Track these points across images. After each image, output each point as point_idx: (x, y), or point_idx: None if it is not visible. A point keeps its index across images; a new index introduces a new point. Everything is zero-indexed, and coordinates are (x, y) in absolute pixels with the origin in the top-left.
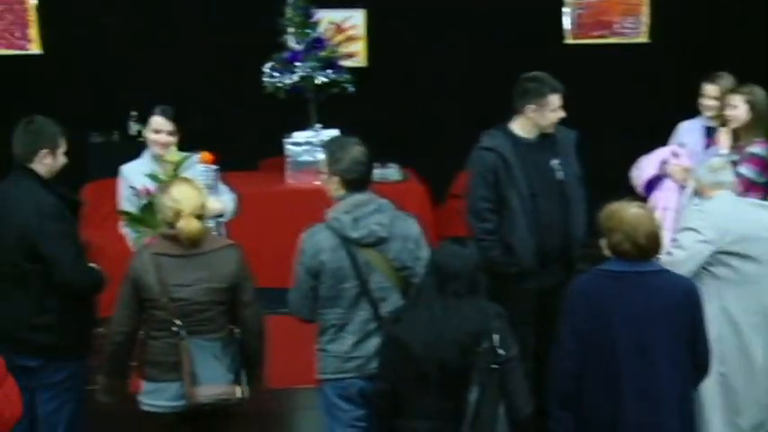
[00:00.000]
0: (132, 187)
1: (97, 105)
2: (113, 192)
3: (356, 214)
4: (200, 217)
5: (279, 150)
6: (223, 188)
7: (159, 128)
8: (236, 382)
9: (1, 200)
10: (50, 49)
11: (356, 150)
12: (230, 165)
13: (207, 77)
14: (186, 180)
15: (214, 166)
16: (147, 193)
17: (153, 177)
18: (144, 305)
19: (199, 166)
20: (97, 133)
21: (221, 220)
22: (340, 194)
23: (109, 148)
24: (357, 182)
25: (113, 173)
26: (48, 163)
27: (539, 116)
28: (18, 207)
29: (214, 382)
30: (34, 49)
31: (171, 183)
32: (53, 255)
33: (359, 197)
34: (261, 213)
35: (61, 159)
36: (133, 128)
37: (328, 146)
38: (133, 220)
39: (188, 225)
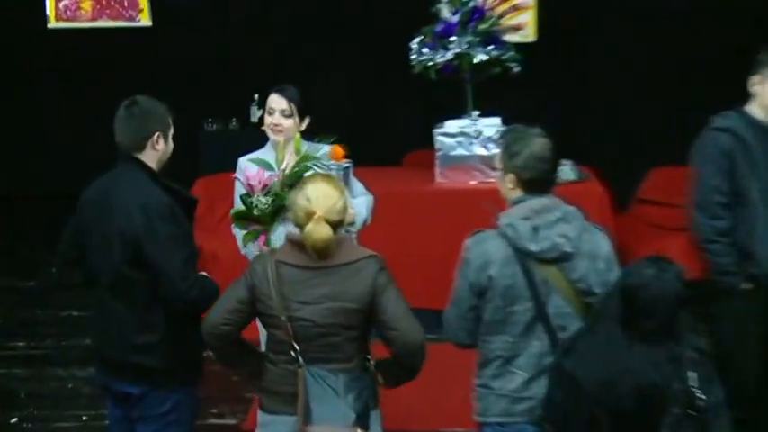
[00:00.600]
0: (237, 178)
1: (213, 87)
2: (230, 189)
3: (536, 222)
4: (337, 224)
5: (427, 142)
6: (358, 188)
7: (273, 107)
8: (360, 424)
9: (103, 196)
10: (161, 20)
11: (538, 144)
12: (368, 159)
13: (343, 55)
14: (326, 177)
15: (346, 163)
16: (264, 186)
17: (262, 163)
18: (262, 320)
19: (328, 162)
20: (212, 120)
21: (351, 229)
22: (516, 197)
23: (226, 138)
24: (537, 182)
25: (230, 166)
26: (159, 149)
27: (761, 91)
28: (123, 205)
29: (330, 421)
30: (143, 20)
31: (309, 178)
32: (161, 262)
33: (540, 201)
34: (404, 219)
35: (171, 144)
36: (255, 114)
37: (504, 137)
38: (242, 218)
39: (315, 230)
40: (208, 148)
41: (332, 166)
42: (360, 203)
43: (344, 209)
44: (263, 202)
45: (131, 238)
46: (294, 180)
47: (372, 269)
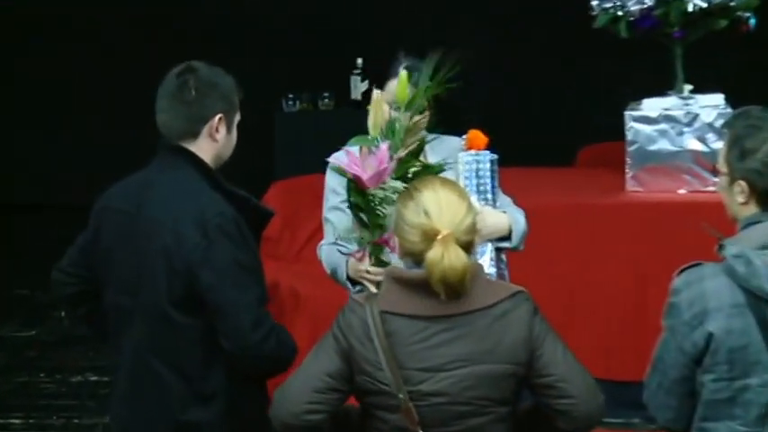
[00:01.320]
0: (342, 173)
1: (295, 48)
2: (317, 197)
3: None
4: (467, 246)
5: (613, 131)
6: (504, 199)
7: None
8: None
9: (136, 205)
10: None
11: None
12: (521, 157)
13: (486, 6)
14: (447, 182)
15: (490, 155)
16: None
17: (362, 141)
18: (366, 402)
19: (462, 155)
20: (294, 96)
21: (505, 245)
22: (749, 215)
23: (314, 122)
24: None
25: (320, 164)
26: (219, 139)
27: None
28: (169, 217)
29: None
30: None
31: (422, 184)
32: (225, 301)
33: None
34: (576, 246)
35: (235, 135)
36: (358, 87)
37: (732, 125)
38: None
39: (447, 256)
40: (287, 137)
41: (471, 159)
42: (515, 211)
43: (474, 227)
44: (394, 187)
45: (183, 266)
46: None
47: (524, 312)
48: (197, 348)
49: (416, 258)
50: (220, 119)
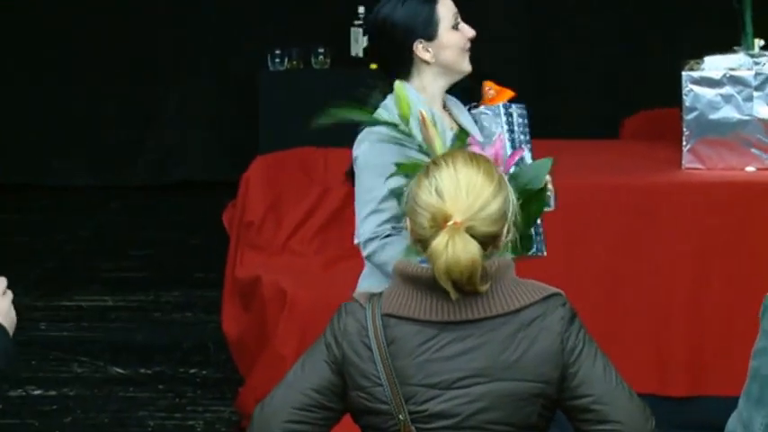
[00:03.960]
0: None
1: None
2: (308, 176)
3: None
4: (489, 239)
5: (666, 96)
6: None
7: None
8: None
9: None
10: None
11: None
12: (554, 126)
13: None
14: (475, 158)
15: (521, 106)
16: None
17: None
18: (362, 422)
19: (493, 107)
20: (282, 52)
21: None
22: None
23: (304, 84)
24: None
25: (311, 135)
26: None
27: None
28: None
29: None
30: None
31: (443, 159)
32: None
33: None
34: (623, 233)
35: None
36: (359, 41)
37: None
38: None
39: (450, 248)
40: (273, 101)
41: (501, 110)
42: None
43: (502, 216)
44: None
45: None
46: None
47: (557, 319)
48: None
49: (425, 246)
50: None
